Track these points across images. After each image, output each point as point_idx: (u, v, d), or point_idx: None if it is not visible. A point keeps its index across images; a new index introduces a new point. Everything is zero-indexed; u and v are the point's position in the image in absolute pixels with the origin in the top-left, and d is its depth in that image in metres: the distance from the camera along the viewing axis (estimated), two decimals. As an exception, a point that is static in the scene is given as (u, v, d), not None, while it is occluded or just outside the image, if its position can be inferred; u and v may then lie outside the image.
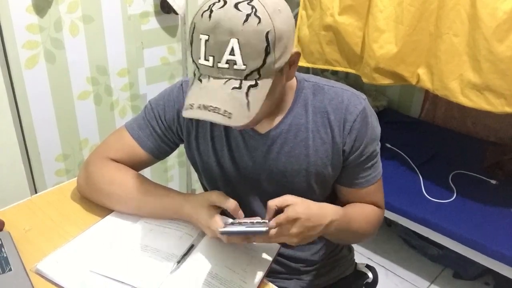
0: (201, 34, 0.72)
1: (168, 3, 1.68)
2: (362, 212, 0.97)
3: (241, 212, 0.87)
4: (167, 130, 0.99)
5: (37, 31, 1.46)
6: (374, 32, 1.62)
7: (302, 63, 1.87)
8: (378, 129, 0.95)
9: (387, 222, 2.20)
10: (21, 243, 0.89)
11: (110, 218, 0.98)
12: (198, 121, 0.97)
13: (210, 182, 1.02)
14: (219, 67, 0.72)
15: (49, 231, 0.94)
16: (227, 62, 0.72)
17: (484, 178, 1.90)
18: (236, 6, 0.71)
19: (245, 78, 0.73)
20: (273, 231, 0.78)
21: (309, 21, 1.81)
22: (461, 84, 1.49)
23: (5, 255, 0.84)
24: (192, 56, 0.76)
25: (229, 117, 0.71)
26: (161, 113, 0.98)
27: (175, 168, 2.13)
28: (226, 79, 0.73)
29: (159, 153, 1.01)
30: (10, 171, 1.40)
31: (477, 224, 1.63)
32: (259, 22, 0.71)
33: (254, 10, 0.71)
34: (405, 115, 2.48)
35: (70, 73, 1.59)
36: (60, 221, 0.97)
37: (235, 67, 0.72)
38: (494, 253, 1.54)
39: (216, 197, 0.87)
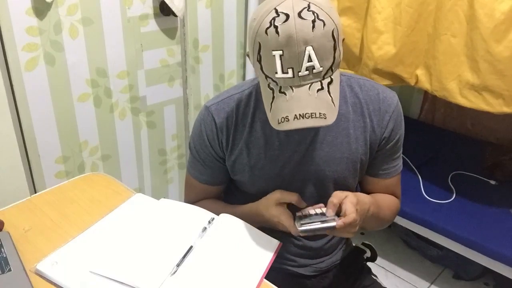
0: (273, 50, 0.75)
1: (167, 5, 1.69)
2: (387, 201, 1.04)
3: (303, 202, 0.94)
4: (221, 158, 1.02)
5: (36, 34, 1.46)
6: (372, 33, 1.63)
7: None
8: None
9: (387, 223, 2.20)
10: (21, 243, 0.90)
11: (110, 218, 0.98)
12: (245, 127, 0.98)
13: (262, 187, 1.02)
14: (300, 76, 0.76)
15: (48, 231, 0.94)
16: (307, 69, 0.75)
17: (483, 178, 1.90)
18: (299, 15, 0.74)
19: (323, 78, 0.77)
20: (341, 225, 0.83)
21: (308, 22, 1.82)
22: (459, 85, 1.50)
23: (4, 256, 0.85)
24: (263, 72, 0.79)
25: (325, 118, 0.76)
26: (209, 151, 1.01)
27: (175, 170, 2.13)
28: (309, 84, 0.77)
29: (227, 179, 1.07)
30: (9, 173, 1.40)
31: (476, 224, 1.64)
32: (324, 24, 0.75)
33: (316, 14, 0.75)
34: (404, 116, 2.46)
35: (69, 76, 1.59)
36: (60, 221, 0.98)
37: (314, 71, 0.76)
38: (494, 253, 1.54)
39: (280, 194, 0.94)
